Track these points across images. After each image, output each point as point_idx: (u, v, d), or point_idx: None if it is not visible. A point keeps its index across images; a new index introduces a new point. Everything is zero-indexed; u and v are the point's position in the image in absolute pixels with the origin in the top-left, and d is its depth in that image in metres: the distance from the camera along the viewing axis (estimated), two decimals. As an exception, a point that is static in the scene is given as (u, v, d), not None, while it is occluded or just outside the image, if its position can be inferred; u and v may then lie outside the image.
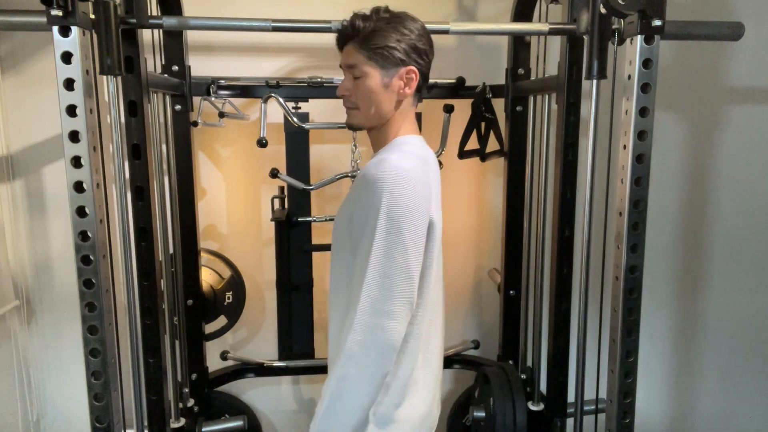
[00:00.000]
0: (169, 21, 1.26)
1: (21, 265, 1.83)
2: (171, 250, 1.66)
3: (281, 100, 1.60)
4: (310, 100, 1.71)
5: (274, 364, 1.91)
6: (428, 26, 1.34)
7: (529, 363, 1.86)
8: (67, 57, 1.06)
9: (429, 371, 1.14)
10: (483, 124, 1.76)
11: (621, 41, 1.21)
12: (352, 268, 1.08)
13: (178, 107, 1.66)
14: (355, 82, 1.11)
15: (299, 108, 1.69)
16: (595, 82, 1.22)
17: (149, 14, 1.24)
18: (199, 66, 1.73)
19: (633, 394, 1.29)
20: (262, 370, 1.93)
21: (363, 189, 1.05)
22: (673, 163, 2.06)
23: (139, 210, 1.34)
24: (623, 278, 1.24)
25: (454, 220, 1.99)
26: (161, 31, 1.61)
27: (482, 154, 1.79)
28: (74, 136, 1.09)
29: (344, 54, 1.12)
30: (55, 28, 1.05)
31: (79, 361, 1.91)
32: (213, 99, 1.69)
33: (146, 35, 1.42)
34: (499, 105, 1.79)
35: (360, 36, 1.09)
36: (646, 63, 1.17)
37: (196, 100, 1.69)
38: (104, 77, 1.14)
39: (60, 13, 1.02)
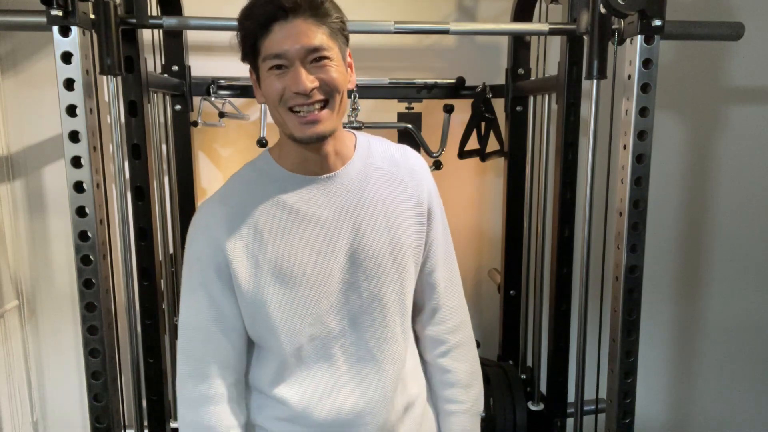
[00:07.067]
0: (169, 21, 1.26)
1: (21, 265, 1.83)
2: (171, 250, 1.66)
3: (281, 100, 1.60)
4: (310, 100, 1.71)
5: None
6: (428, 26, 1.36)
7: (529, 363, 1.86)
8: (67, 57, 1.06)
9: None
10: (483, 124, 1.76)
11: (621, 41, 1.20)
12: (416, 270, 0.99)
13: (178, 107, 1.66)
14: (321, 69, 0.83)
15: (299, 108, 1.69)
16: (595, 82, 1.22)
17: (149, 14, 1.24)
18: (199, 66, 1.73)
19: (633, 394, 1.29)
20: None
21: (425, 180, 0.99)
22: (673, 163, 2.06)
23: (139, 210, 1.34)
24: (623, 278, 1.24)
25: (454, 220, 1.98)
26: (161, 31, 1.61)
27: (482, 154, 1.79)
28: (74, 136, 1.09)
29: (296, 34, 0.80)
30: (55, 28, 1.05)
31: (79, 361, 1.93)
32: (213, 99, 1.69)
33: (146, 35, 1.42)
34: (499, 105, 1.79)
35: (308, 5, 0.81)
36: (646, 63, 1.17)
37: (196, 100, 1.69)
38: (104, 77, 1.14)
39: (60, 13, 1.02)
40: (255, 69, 0.87)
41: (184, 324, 0.92)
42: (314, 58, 0.82)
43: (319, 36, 0.81)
